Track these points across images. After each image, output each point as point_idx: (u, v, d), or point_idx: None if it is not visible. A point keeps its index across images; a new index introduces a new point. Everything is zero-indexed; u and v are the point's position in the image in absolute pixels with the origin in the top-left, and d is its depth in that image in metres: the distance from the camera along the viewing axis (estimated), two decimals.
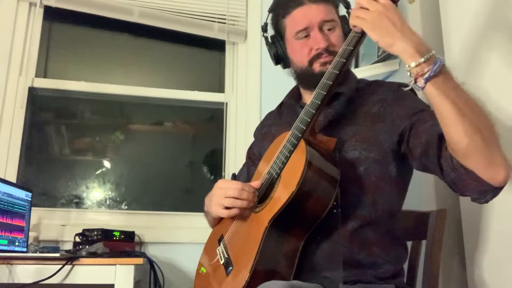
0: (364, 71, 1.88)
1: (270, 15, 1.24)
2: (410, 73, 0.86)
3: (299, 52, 1.16)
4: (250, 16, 2.31)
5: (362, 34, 0.96)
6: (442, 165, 0.93)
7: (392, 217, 1.09)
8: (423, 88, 0.85)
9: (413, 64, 0.85)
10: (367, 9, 0.90)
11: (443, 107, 0.85)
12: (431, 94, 0.85)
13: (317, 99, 1.01)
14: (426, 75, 0.84)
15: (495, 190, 0.90)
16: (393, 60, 1.84)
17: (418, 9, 1.72)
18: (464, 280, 1.36)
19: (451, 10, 1.46)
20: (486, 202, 0.97)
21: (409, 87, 0.87)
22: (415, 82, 0.86)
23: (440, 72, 0.84)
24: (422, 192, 1.51)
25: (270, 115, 1.39)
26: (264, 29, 1.26)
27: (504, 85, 1.23)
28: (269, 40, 1.24)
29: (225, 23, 2.27)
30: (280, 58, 1.22)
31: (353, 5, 1.18)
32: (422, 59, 0.84)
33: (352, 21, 0.94)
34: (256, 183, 1.09)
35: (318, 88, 1.02)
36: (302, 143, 1.00)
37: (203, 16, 2.25)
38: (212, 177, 2.27)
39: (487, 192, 0.90)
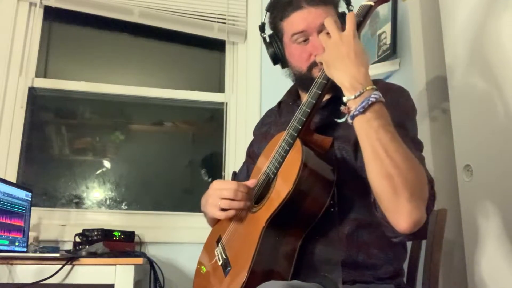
0: None
1: (268, 14, 1.22)
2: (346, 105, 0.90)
3: (298, 57, 1.14)
4: (250, 16, 2.31)
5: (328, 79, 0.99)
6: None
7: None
8: (351, 123, 0.89)
9: (345, 99, 0.89)
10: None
11: (362, 145, 0.89)
12: (356, 130, 0.89)
13: (312, 99, 1.01)
14: (351, 113, 0.88)
15: (404, 235, 0.91)
16: (393, 60, 1.83)
17: (418, 9, 1.72)
18: (464, 280, 1.36)
19: (451, 10, 1.46)
20: (400, 242, 1.00)
21: (344, 119, 0.91)
22: (348, 115, 0.89)
23: (366, 111, 0.86)
24: None
25: (270, 113, 1.38)
26: (262, 29, 1.23)
27: (504, 85, 1.23)
28: (267, 40, 1.22)
29: (225, 23, 2.27)
30: (278, 58, 1.21)
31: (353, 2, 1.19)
32: (352, 96, 0.88)
33: (316, 58, 1.01)
34: (251, 182, 1.08)
35: (313, 87, 1.01)
36: (298, 143, 0.99)
37: (203, 16, 2.25)
38: (211, 179, 2.27)
39: (397, 235, 0.92)
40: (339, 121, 0.92)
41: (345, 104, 0.90)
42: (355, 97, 0.87)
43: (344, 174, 1.03)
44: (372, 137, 0.86)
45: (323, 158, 1.00)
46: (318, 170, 0.98)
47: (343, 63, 0.91)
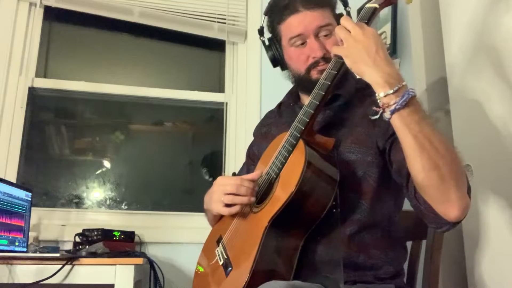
0: None
1: (266, 18, 1.23)
2: (379, 102, 0.89)
3: (296, 60, 1.15)
4: (250, 16, 2.30)
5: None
6: (409, 188, 0.96)
7: (390, 219, 1.09)
8: (389, 119, 0.88)
9: (381, 95, 0.88)
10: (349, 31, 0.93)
11: (404, 139, 0.88)
12: (395, 125, 0.89)
13: (315, 100, 1.01)
14: (392, 108, 0.87)
15: (451, 224, 0.92)
16: (393, 60, 1.83)
17: (418, 9, 1.72)
18: (464, 280, 1.36)
19: (451, 10, 1.46)
20: (443, 232, 1.00)
21: (377, 116, 0.90)
22: (383, 111, 0.88)
23: (407, 105, 0.86)
24: None
25: (270, 114, 1.38)
26: (261, 32, 1.25)
27: (504, 85, 1.23)
28: (266, 43, 1.23)
29: (225, 23, 2.27)
30: (278, 61, 1.22)
31: (350, 4, 1.19)
32: (391, 91, 0.87)
33: (333, 50, 0.99)
34: (255, 174, 1.08)
35: (316, 88, 1.02)
36: (301, 144, 0.99)
37: (203, 16, 2.25)
38: (211, 178, 2.27)
39: (443, 224, 0.93)
40: (372, 118, 0.91)
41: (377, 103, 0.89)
42: (393, 92, 0.87)
43: (349, 175, 1.03)
44: (415, 130, 0.86)
45: (326, 159, 1.00)
46: (321, 171, 0.98)
47: (374, 60, 0.90)
